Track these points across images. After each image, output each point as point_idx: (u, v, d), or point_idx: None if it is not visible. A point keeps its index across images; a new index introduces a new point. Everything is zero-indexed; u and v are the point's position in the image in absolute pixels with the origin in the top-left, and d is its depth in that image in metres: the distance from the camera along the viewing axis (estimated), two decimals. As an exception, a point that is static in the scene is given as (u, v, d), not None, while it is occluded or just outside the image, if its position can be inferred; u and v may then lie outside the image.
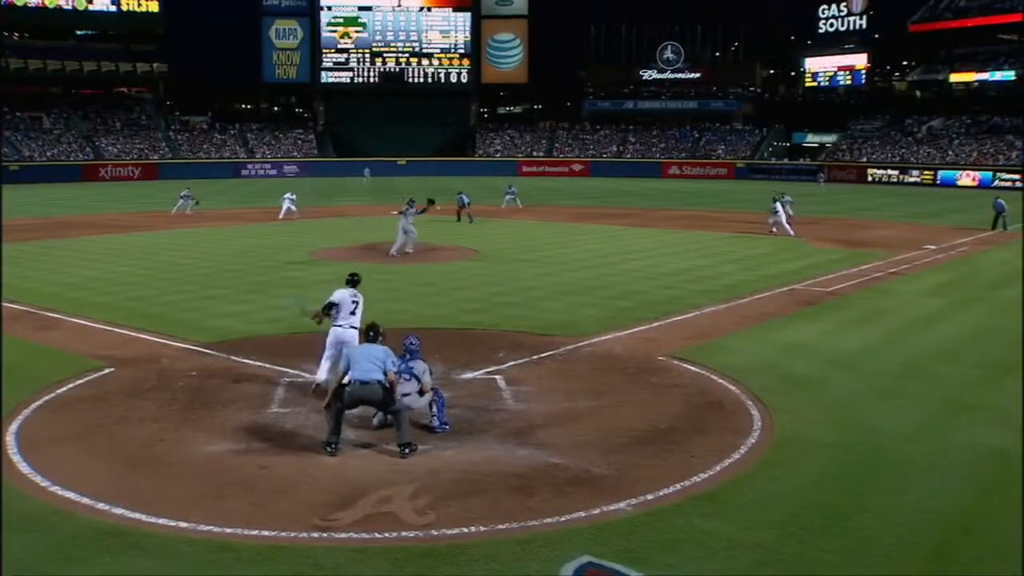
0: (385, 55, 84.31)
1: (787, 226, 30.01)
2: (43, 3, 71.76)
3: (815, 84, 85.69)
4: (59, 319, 15.89)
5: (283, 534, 7.17)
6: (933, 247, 27.39)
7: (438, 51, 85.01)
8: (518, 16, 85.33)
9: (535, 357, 13.02)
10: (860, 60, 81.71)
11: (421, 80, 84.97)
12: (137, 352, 13.38)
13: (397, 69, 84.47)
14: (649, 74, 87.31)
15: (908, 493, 8.07)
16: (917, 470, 8.68)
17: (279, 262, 23.38)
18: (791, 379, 11.94)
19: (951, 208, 43.60)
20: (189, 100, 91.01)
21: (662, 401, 10.97)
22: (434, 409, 9.81)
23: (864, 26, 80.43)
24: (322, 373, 10.93)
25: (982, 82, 75.09)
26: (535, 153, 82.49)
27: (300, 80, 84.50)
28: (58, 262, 23.35)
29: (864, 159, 73.07)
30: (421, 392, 9.62)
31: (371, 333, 9.63)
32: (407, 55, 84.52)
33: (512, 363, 12.61)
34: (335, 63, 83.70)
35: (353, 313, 10.85)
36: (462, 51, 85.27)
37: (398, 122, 76.92)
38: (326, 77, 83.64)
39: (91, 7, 74.01)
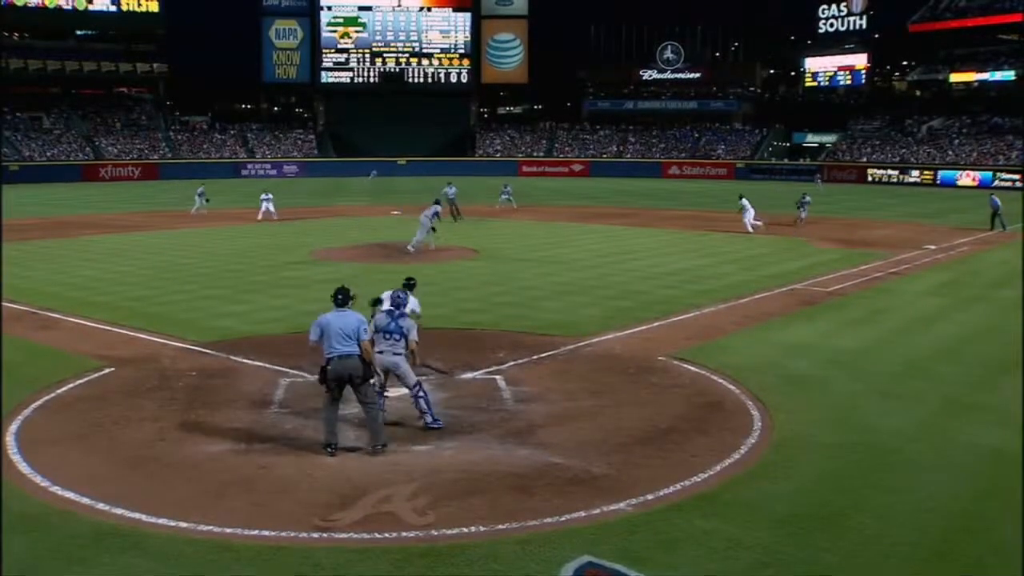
0: (385, 55, 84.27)
1: (748, 224, 30.64)
2: (43, 3, 71.73)
3: (815, 84, 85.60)
4: (59, 319, 15.90)
5: (283, 534, 7.17)
6: (933, 247, 27.40)
7: (438, 51, 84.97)
8: (518, 16, 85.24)
9: (535, 357, 13.03)
10: (860, 60, 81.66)
11: (421, 80, 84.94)
12: (137, 352, 13.38)
13: (397, 69, 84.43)
14: (649, 74, 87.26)
15: (908, 493, 8.07)
16: (917, 470, 8.68)
17: (279, 262, 23.37)
18: (791, 379, 11.94)
19: (951, 208, 43.59)
20: (189, 100, 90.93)
21: (662, 401, 10.97)
22: (423, 405, 9.83)
23: (864, 26, 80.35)
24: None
25: (982, 82, 75.05)
26: (535, 153, 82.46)
27: (300, 80, 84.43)
28: (58, 262, 23.36)
29: (864, 159, 73.03)
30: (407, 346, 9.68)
31: (339, 296, 9.24)
32: (407, 55, 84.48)
33: (512, 363, 12.62)
34: (335, 63, 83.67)
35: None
36: (462, 51, 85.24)
37: (398, 122, 76.85)
38: (326, 77, 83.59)
39: (91, 7, 73.97)
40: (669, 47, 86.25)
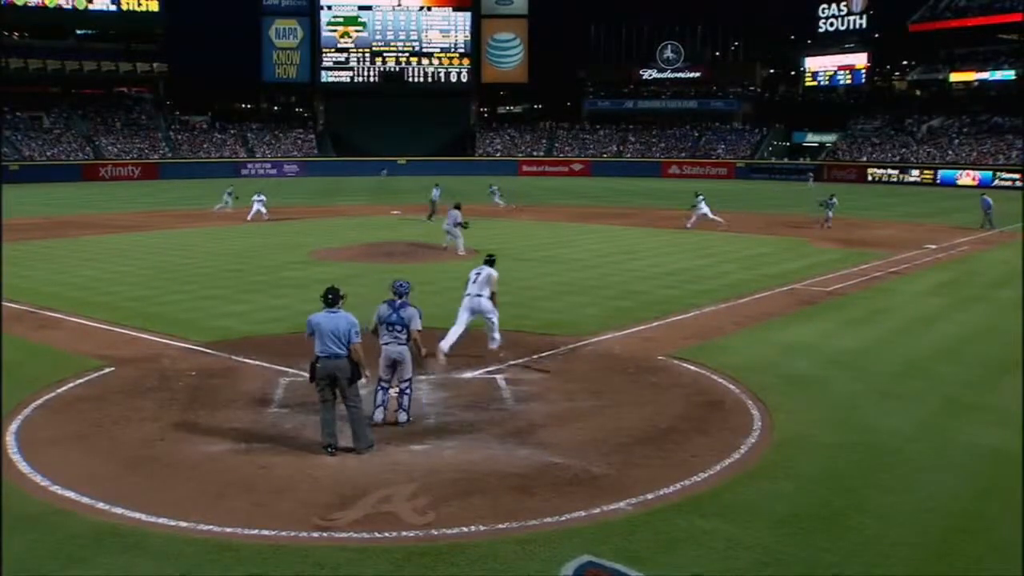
0: (385, 55, 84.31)
1: (702, 217, 32.18)
2: (43, 3, 71.75)
3: (815, 84, 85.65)
4: (59, 319, 15.90)
5: (283, 534, 7.17)
6: (933, 247, 27.41)
7: (438, 51, 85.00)
8: (518, 16, 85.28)
9: (535, 357, 13.03)
10: (860, 60, 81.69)
11: (421, 80, 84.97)
12: (137, 352, 13.38)
13: (397, 69, 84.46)
14: (649, 74, 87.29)
15: (908, 493, 8.07)
16: (917, 470, 8.68)
17: (279, 262, 23.37)
18: (791, 379, 11.94)
19: (951, 208, 43.58)
20: (189, 100, 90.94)
21: (662, 401, 10.97)
22: (405, 402, 9.86)
23: (864, 26, 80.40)
24: (448, 341, 12.51)
25: (982, 82, 75.09)
26: (535, 153, 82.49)
27: (300, 80, 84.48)
28: (58, 262, 23.35)
29: (864, 159, 73.07)
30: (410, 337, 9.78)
31: (329, 297, 9.17)
32: (407, 55, 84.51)
33: (512, 363, 12.62)
34: (335, 63, 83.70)
35: (475, 282, 12.89)
36: (462, 51, 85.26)
37: (398, 122, 76.87)
38: (326, 77, 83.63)
39: (91, 7, 73.99)
40: (669, 47, 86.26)
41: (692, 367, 12.51)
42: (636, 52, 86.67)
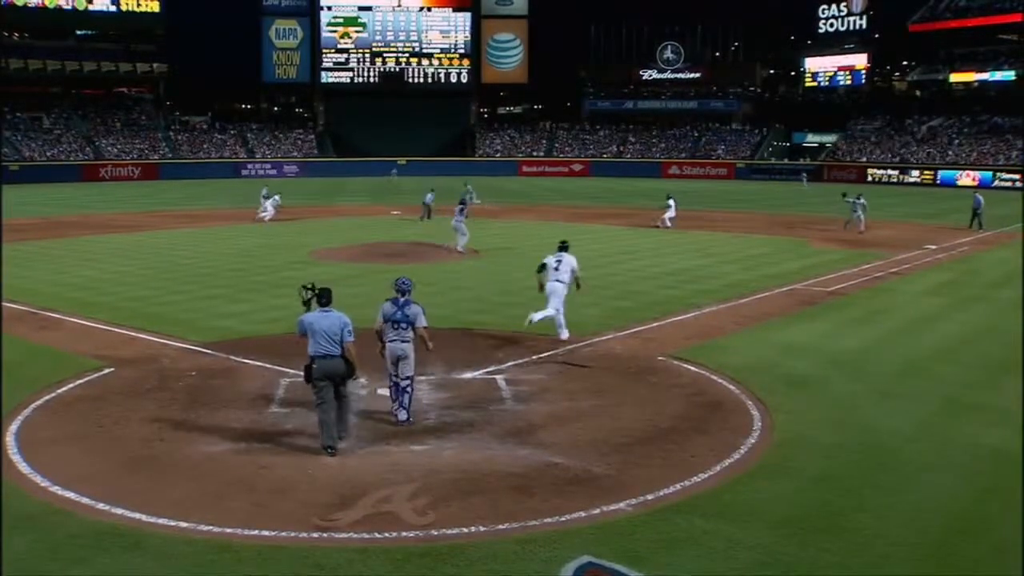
0: (385, 55, 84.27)
1: (667, 220, 32.71)
2: (43, 3, 71.73)
3: (815, 84, 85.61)
4: (59, 319, 15.90)
5: (283, 534, 7.17)
6: (933, 247, 27.41)
7: (438, 51, 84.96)
8: (518, 16, 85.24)
9: (535, 357, 13.03)
10: (860, 60, 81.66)
11: (421, 80, 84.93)
12: (137, 352, 13.38)
13: (397, 69, 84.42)
14: (649, 74, 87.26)
15: (908, 493, 8.07)
16: (917, 470, 8.68)
17: (279, 262, 23.36)
18: (791, 379, 11.94)
19: (951, 208, 43.52)
20: (189, 100, 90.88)
21: (662, 401, 10.97)
22: (406, 400, 9.86)
23: (864, 26, 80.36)
24: (539, 314, 13.53)
25: (982, 82, 75.05)
26: (535, 153, 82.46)
27: (300, 80, 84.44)
28: (58, 262, 23.35)
29: (864, 159, 73.05)
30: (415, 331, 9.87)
31: (323, 299, 9.22)
32: (407, 55, 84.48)
33: (512, 363, 12.62)
34: (335, 63, 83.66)
35: (557, 269, 13.80)
36: (462, 51, 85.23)
37: (398, 122, 76.80)
38: (326, 77, 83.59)
39: (91, 7, 73.96)
40: (669, 47, 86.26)
41: (692, 367, 12.51)
42: (636, 52, 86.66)
